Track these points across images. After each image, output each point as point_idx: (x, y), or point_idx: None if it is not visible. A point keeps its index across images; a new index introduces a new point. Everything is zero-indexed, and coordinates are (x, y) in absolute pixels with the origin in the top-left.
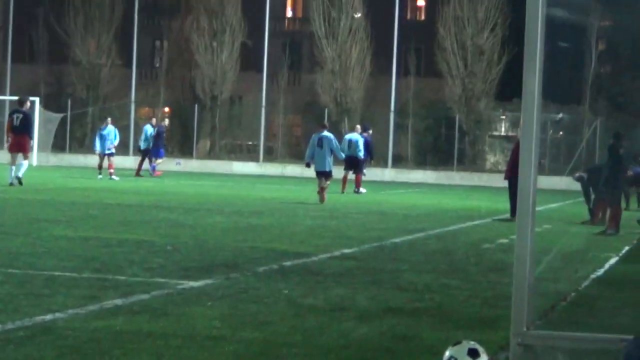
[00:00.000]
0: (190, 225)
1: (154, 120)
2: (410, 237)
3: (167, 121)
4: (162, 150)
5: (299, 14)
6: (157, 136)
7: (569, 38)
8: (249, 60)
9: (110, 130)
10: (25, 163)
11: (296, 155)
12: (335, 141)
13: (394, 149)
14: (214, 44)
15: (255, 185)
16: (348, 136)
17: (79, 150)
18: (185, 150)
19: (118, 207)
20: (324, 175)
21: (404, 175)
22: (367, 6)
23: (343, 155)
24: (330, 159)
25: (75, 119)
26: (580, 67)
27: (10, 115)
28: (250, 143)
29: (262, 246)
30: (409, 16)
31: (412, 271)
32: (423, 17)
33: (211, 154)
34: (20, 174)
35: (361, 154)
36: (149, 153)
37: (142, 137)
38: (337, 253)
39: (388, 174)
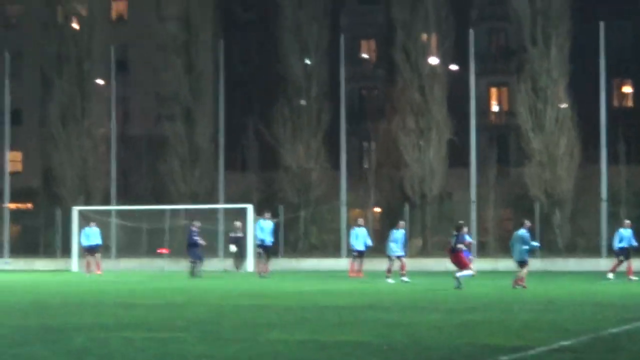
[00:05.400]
0: (404, 324)
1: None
2: (629, 326)
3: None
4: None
5: (505, 108)
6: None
7: None
8: (457, 156)
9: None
10: (470, 271)
11: (508, 249)
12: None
13: (608, 238)
14: (421, 142)
15: (468, 281)
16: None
17: (292, 255)
18: None
19: (332, 309)
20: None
21: (621, 264)
22: (572, 96)
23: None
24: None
25: (288, 223)
26: None
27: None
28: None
29: (478, 342)
30: (616, 103)
31: None
32: (631, 104)
33: (423, 252)
34: (459, 274)
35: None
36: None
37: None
38: (554, 346)
39: (603, 263)
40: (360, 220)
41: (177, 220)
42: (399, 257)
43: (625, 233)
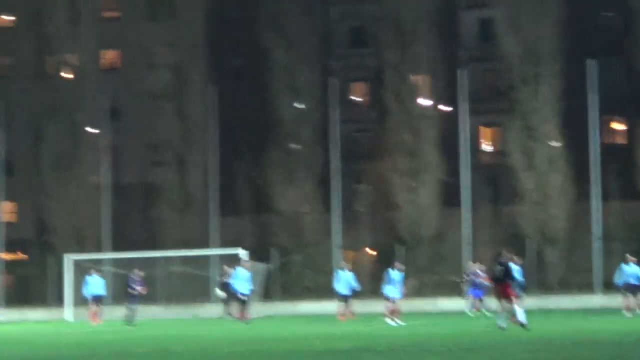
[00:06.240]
0: None
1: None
2: None
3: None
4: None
5: (497, 147)
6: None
7: None
8: (449, 196)
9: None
10: (517, 308)
11: None
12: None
13: (603, 274)
14: (414, 183)
15: (464, 321)
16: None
17: (286, 298)
18: None
19: (330, 354)
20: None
21: (615, 300)
22: (564, 134)
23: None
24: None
25: (281, 267)
26: None
27: (493, 267)
28: (456, 279)
29: None
30: (607, 140)
31: None
32: (622, 140)
33: (419, 293)
34: (523, 320)
35: None
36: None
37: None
38: None
39: (597, 300)
40: (345, 264)
41: (170, 267)
42: (393, 300)
43: (627, 269)
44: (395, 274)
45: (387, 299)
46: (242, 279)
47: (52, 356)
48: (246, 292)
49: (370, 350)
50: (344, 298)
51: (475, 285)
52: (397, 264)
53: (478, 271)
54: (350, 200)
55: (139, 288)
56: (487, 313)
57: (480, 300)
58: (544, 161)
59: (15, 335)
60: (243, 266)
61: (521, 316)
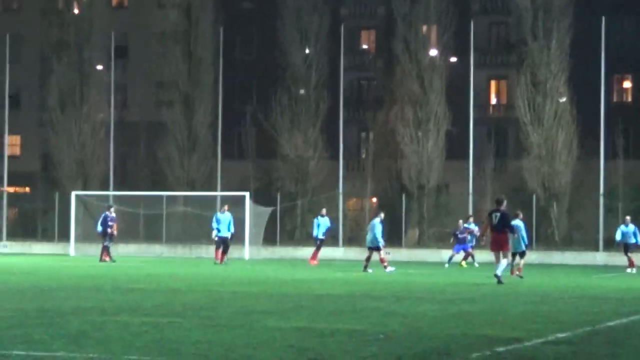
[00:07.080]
0: (401, 313)
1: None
2: (625, 320)
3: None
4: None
5: (503, 101)
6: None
7: None
8: (455, 148)
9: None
10: (504, 262)
11: None
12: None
13: (605, 232)
14: (419, 133)
15: (464, 272)
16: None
17: (289, 243)
18: (394, 239)
19: (329, 297)
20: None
21: (616, 258)
22: (572, 90)
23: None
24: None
25: (285, 212)
26: None
27: (490, 214)
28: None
29: (474, 332)
30: (615, 98)
31: (629, 355)
32: (630, 99)
33: (420, 243)
34: (499, 272)
35: None
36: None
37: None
38: (550, 338)
39: (600, 257)
40: (323, 211)
41: (174, 207)
42: (378, 249)
43: (624, 229)
44: (378, 223)
45: (379, 248)
46: (222, 223)
47: (54, 287)
48: (225, 235)
49: (369, 295)
50: (320, 242)
51: (463, 241)
52: (381, 213)
53: (469, 226)
54: (356, 148)
55: (113, 226)
56: (468, 264)
57: (468, 253)
58: (551, 116)
59: (19, 267)
60: (223, 211)
61: (500, 270)
